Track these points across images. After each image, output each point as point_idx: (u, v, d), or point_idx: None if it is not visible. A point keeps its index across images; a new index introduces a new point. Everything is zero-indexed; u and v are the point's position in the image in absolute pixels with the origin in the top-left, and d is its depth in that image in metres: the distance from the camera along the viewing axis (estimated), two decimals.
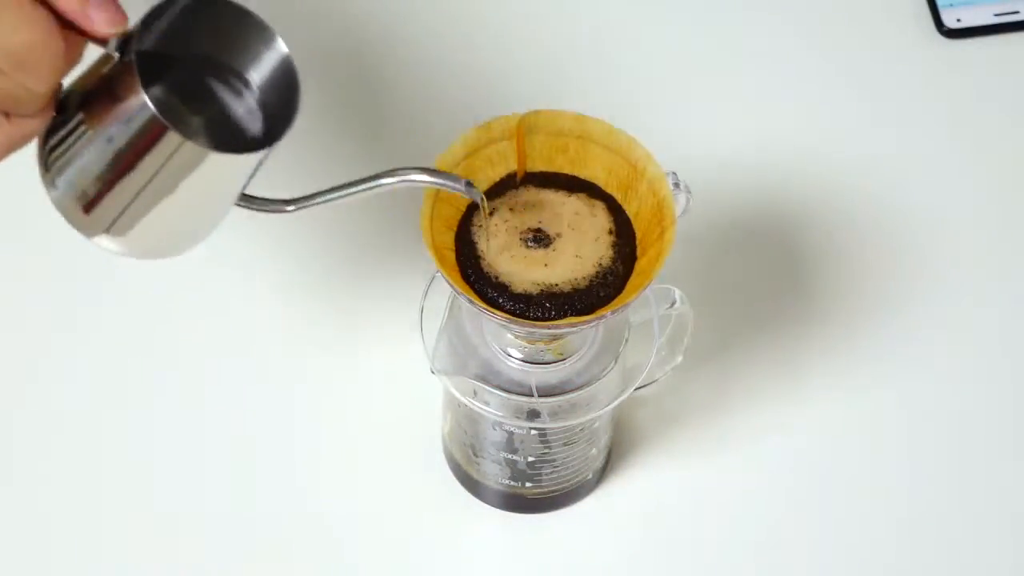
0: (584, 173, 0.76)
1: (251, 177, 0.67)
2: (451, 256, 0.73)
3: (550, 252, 0.73)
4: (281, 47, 0.67)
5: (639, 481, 0.88)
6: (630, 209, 0.75)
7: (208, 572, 0.85)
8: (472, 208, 0.75)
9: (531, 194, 0.75)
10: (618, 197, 0.75)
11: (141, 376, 0.90)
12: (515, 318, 0.71)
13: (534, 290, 0.72)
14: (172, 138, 0.63)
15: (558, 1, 1.05)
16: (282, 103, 0.67)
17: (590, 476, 0.86)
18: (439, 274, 0.72)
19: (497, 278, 0.73)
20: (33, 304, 0.92)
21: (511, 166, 0.75)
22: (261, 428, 0.89)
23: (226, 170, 0.65)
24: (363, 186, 0.70)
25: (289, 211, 0.70)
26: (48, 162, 0.66)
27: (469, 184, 0.71)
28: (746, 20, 1.05)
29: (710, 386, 0.90)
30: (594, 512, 0.87)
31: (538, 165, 0.76)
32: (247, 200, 0.69)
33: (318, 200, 0.70)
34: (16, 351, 0.91)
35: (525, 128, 0.75)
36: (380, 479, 0.87)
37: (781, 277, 0.94)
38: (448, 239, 0.74)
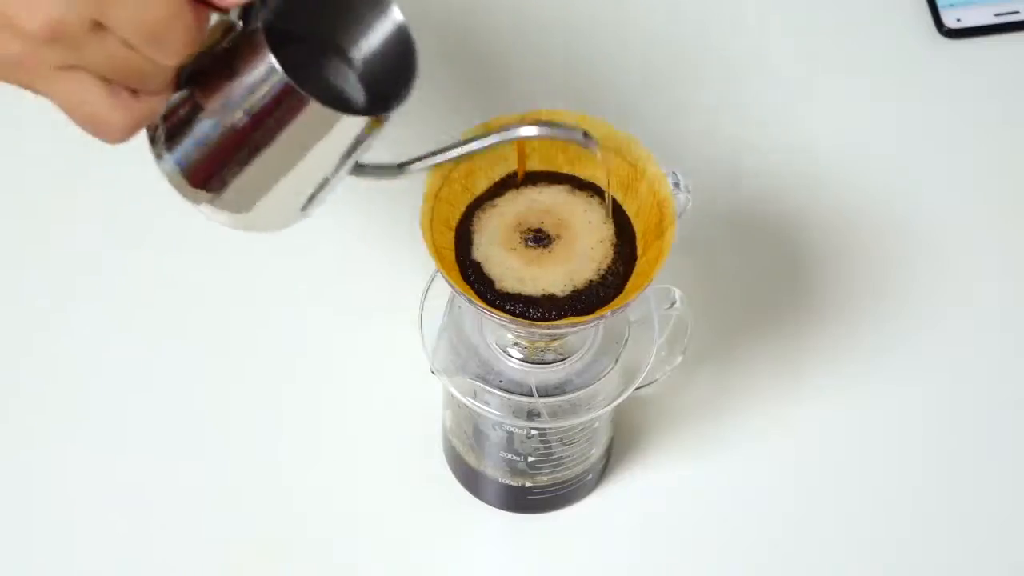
0: (584, 173, 0.76)
1: (369, 145, 0.66)
2: (451, 256, 0.73)
3: (550, 252, 0.73)
4: (396, 15, 0.66)
5: (639, 481, 0.88)
6: (630, 209, 0.75)
7: (207, 572, 0.85)
8: (472, 208, 0.75)
9: (531, 194, 0.75)
10: (618, 197, 0.75)
11: (139, 374, 0.90)
12: (515, 318, 0.71)
13: (534, 290, 0.72)
14: (304, 103, 0.62)
15: (558, 1, 1.05)
16: (397, 70, 0.66)
17: (590, 476, 0.86)
18: (439, 274, 0.72)
19: (497, 278, 0.73)
20: (23, 300, 0.92)
21: (511, 166, 0.75)
22: (260, 428, 0.89)
23: (350, 134, 0.64)
24: (475, 144, 0.69)
25: (403, 175, 0.69)
26: (162, 135, 0.65)
27: (586, 134, 0.70)
28: (746, 20, 1.05)
29: (710, 386, 0.90)
30: (594, 512, 0.87)
31: (538, 165, 0.76)
32: (359, 169, 0.68)
33: (429, 161, 0.69)
34: (4, 347, 0.91)
35: None
36: (380, 479, 0.87)
37: (781, 277, 0.94)
38: (448, 239, 0.74)
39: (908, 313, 0.93)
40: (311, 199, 0.68)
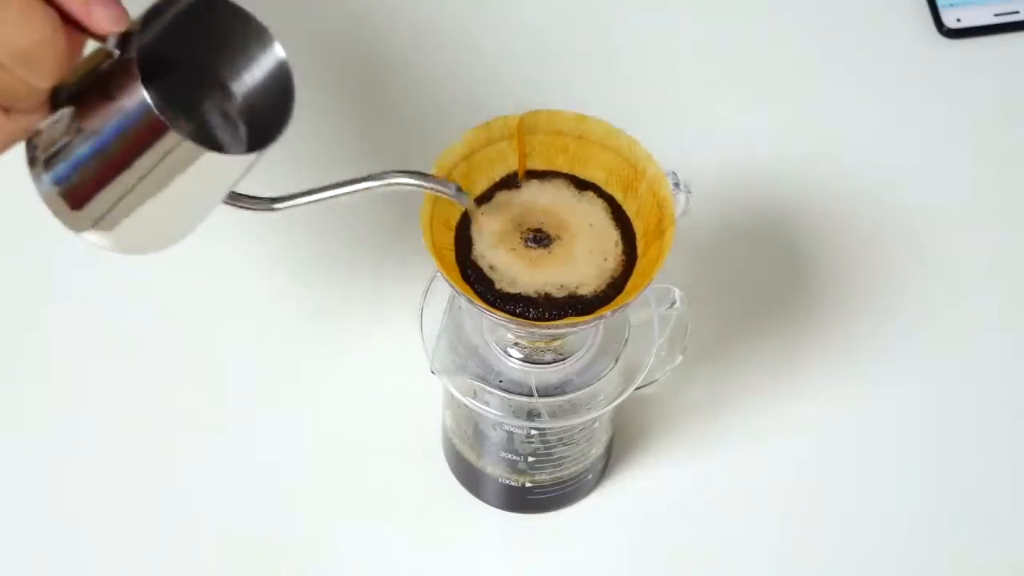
0: (584, 173, 0.76)
1: (241, 177, 0.67)
2: (451, 256, 0.73)
3: (550, 252, 0.73)
4: (278, 52, 0.67)
5: (639, 481, 0.88)
6: (630, 209, 0.75)
7: (207, 572, 0.85)
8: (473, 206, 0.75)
9: (532, 194, 0.75)
10: (618, 197, 0.75)
11: (138, 374, 0.90)
12: (515, 318, 0.71)
13: (534, 290, 0.72)
14: (170, 136, 0.63)
15: (558, 1, 1.05)
16: (276, 106, 0.67)
17: (590, 476, 0.86)
18: (439, 274, 0.72)
19: (497, 278, 0.73)
20: (20, 300, 0.92)
21: (511, 166, 0.75)
22: (260, 428, 0.89)
23: (219, 170, 0.66)
24: (350, 187, 0.70)
25: (275, 209, 0.70)
26: (38, 157, 0.66)
27: (459, 189, 0.71)
28: (746, 20, 1.05)
29: (710, 386, 0.90)
30: (594, 512, 0.87)
31: (538, 165, 0.76)
32: (234, 198, 0.69)
33: (304, 199, 0.70)
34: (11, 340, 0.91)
35: (525, 128, 0.75)
36: (380, 479, 0.87)
37: (781, 277, 0.94)
38: (448, 239, 0.74)
39: (908, 313, 0.93)
40: (182, 225, 0.69)
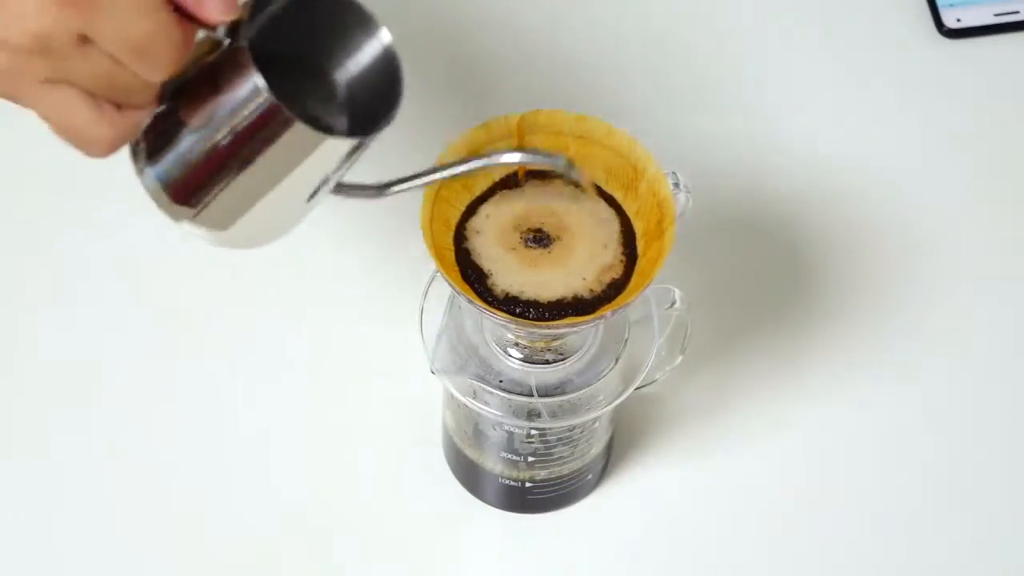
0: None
1: (351, 165, 0.66)
2: (451, 256, 0.73)
3: (550, 252, 0.73)
4: (384, 38, 0.66)
5: (639, 481, 0.88)
6: (630, 209, 0.75)
7: (205, 572, 0.85)
8: (472, 208, 0.75)
9: (532, 194, 0.75)
10: (618, 197, 0.75)
11: (137, 373, 0.90)
12: (515, 318, 0.71)
13: (534, 290, 0.72)
14: (289, 124, 0.61)
15: (558, 1, 1.05)
16: (381, 92, 0.66)
17: (590, 476, 0.86)
18: (439, 274, 0.72)
19: (497, 278, 0.73)
20: (20, 303, 0.92)
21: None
22: (259, 428, 0.89)
23: (334, 156, 0.64)
24: (459, 168, 0.69)
25: (385, 195, 0.69)
26: (140, 149, 0.65)
27: (569, 162, 0.70)
28: (746, 20, 1.05)
29: (710, 386, 0.90)
30: (594, 512, 0.87)
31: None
32: (341, 188, 0.68)
33: (411, 183, 0.69)
34: (11, 339, 0.91)
35: (525, 128, 0.75)
36: (380, 479, 0.87)
37: (781, 277, 0.94)
38: (448, 239, 0.74)
39: (908, 313, 0.93)
40: (292, 218, 0.68)
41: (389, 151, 0.96)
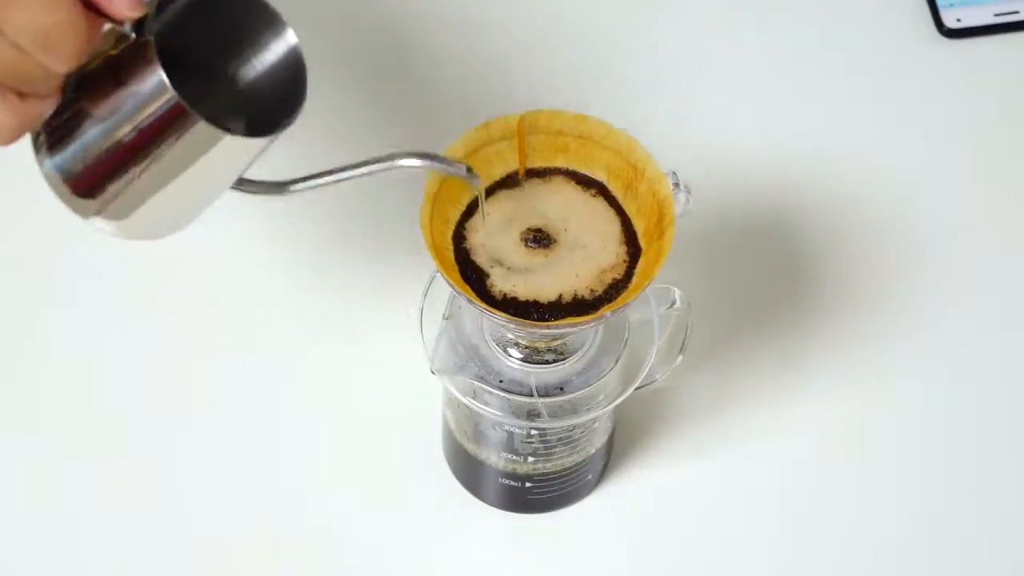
0: (585, 172, 0.76)
1: (252, 163, 0.66)
2: (451, 256, 0.73)
3: (550, 252, 0.73)
4: (290, 38, 0.66)
5: (639, 481, 0.88)
6: (630, 209, 0.75)
7: (206, 571, 0.85)
8: (472, 208, 0.75)
9: (532, 194, 0.75)
10: (618, 197, 0.75)
11: (137, 374, 0.90)
12: (515, 318, 0.71)
13: (534, 290, 0.72)
14: (189, 119, 0.62)
15: (558, 1, 1.05)
16: (286, 93, 0.66)
17: (590, 476, 0.86)
18: (439, 274, 0.72)
19: (497, 278, 0.73)
20: (21, 299, 0.92)
21: (511, 166, 0.75)
22: (259, 428, 0.89)
23: (234, 153, 0.65)
24: (359, 170, 0.69)
25: (285, 193, 0.69)
26: (45, 141, 0.66)
27: (469, 170, 0.70)
28: (746, 20, 1.05)
29: (710, 386, 0.90)
30: (594, 512, 0.87)
31: (538, 165, 0.76)
32: (242, 183, 0.68)
33: (313, 183, 0.69)
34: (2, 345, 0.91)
35: (525, 128, 0.75)
36: (380, 479, 0.87)
37: (781, 277, 0.94)
38: (448, 239, 0.74)
39: (908, 313, 0.93)
40: (191, 211, 0.68)
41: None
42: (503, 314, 0.71)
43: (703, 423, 0.89)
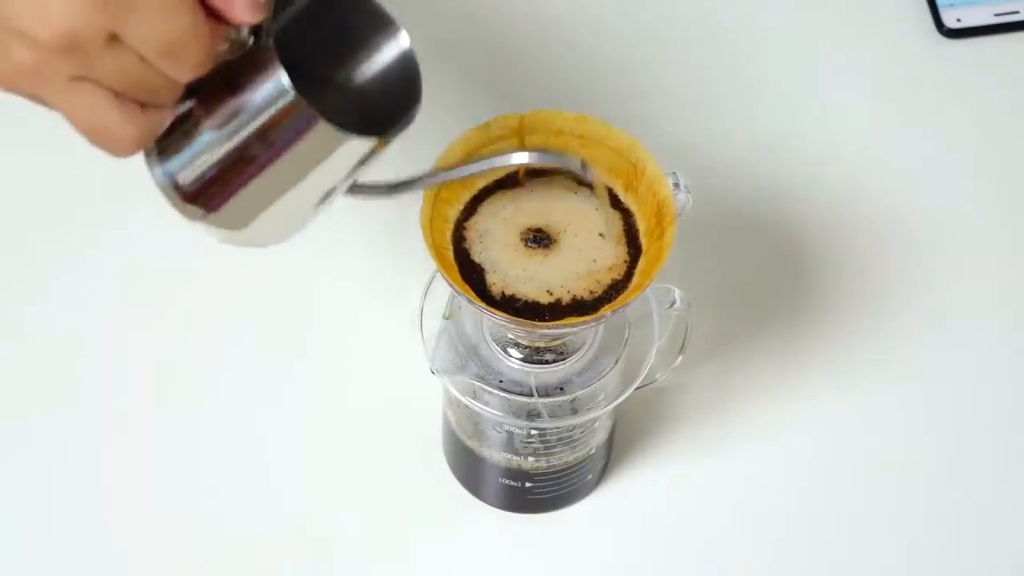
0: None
1: (368, 166, 0.66)
2: (451, 256, 0.73)
3: (551, 252, 0.73)
4: (403, 42, 0.66)
5: (639, 481, 0.88)
6: (630, 209, 0.75)
7: (205, 572, 0.85)
8: (472, 207, 0.75)
9: (532, 193, 0.75)
10: (619, 197, 0.75)
11: (137, 374, 0.90)
12: (515, 318, 0.71)
13: (534, 290, 0.72)
14: (314, 122, 0.61)
15: (558, 1, 1.05)
16: (399, 93, 0.66)
17: (590, 476, 0.86)
18: (439, 274, 0.72)
19: (497, 278, 0.73)
20: (19, 295, 0.92)
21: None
22: (260, 428, 0.89)
23: (355, 156, 0.64)
24: (467, 169, 0.69)
25: (394, 195, 0.69)
26: (155, 147, 0.64)
27: (584, 163, 0.69)
28: (746, 20, 1.05)
29: (710, 386, 0.90)
30: (594, 512, 0.87)
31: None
32: (354, 188, 0.67)
33: (419, 183, 0.69)
34: (12, 343, 0.91)
35: (525, 128, 0.75)
36: (380, 479, 0.87)
37: (781, 277, 0.94)
38: (448, 238, 0.74)
39: (908, 313, 0.93)
40: (307, 217, 0.67)
41: (389, 150, 0.96)
42: (503, 314, 0.71)
43: (703, 423, 0.89)
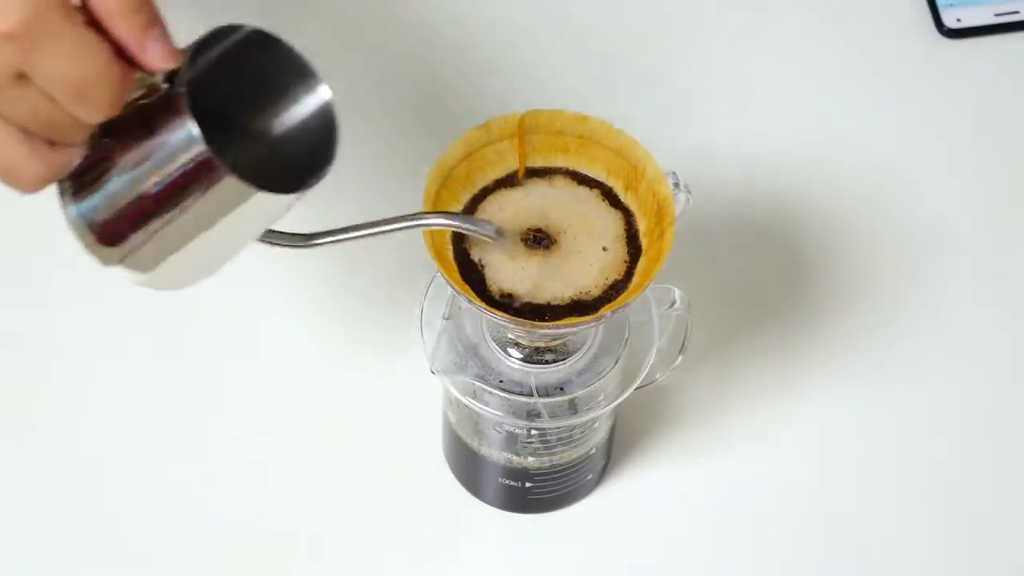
0: (585, 171, 0.76)
1: (280, 217, 0.66)
2: (451, 256, 0.73)
3: (551, 252, 0.73)
4: (324, 94, 0.65)
5: (639, 481, 0.88)
6: (630, 209, 0.75)
7: (204, 571, 0.85)
8: (471, 206, 0.75)
9: (532, 193, 0.75)
10: (619, 197, 0.75)
11: (137, 374, 0.90)
12: (515, 318, 0.71)
13: (534, 290, 0.72)
14: (219, 174, 0.61)
15: (559, 1, 1.05)
16: (317, 146, 0.65)
17: (590, 476, 0.86)
18: (439, 274, 0.72)
19: (497, 278, 0.73)
20: (19, 300, 0.92)
21: (511, 166, 0.75)
22: (259, 428, 0.89)
23: (264, 209, 0.64)
24: (384, 227, 0.70)
25: (310, 246, 0.69)
26: (70, 188, 0.64)
27: (498, 230, 0.71)
28: (745, 20, 1.05)
29: (710, 386, 0.90)
30: (594, 512, 0.87)
31: (539, 165, 0.76)
32: (268, 235, 0.68)
33: (337, 237, 0.69)
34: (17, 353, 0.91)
35: (525, 128, 0.75)
36: (380, 480, 0.87)
37: (781, 277, 0.94)
38: (448, 239, 0.74)
39: (908, 313, 0.93)
40: (217, 264, 0.67)
41: (389, 150, 0.96)
42: (503, 314, 0.71)
43: (703, 423, 0.89)
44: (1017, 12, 1.04)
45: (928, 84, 1.02)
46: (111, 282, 0.92)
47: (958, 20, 1.04)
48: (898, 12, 1.05)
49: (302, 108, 0.66)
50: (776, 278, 0.94)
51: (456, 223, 0.71)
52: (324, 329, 0.92)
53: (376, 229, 0.70)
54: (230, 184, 0.61)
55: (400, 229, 0.70)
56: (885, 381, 0.91)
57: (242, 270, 0.92)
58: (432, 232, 0.72)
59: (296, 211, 0.66)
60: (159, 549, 0.85)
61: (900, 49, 1.04)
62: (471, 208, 0.75)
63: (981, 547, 0.87)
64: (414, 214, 0.70)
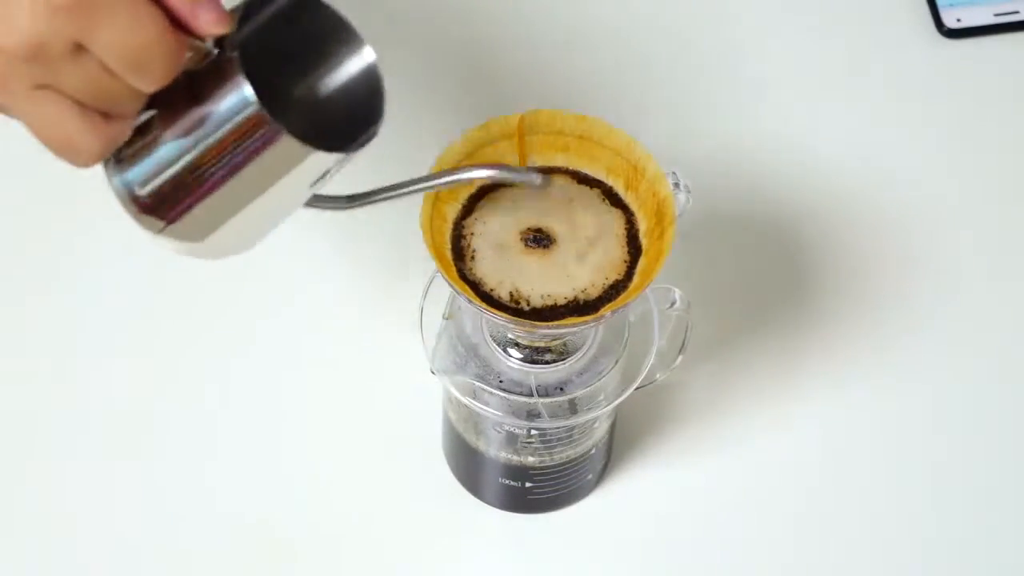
0: (585, 170, 0.76)
1: (331, 179, 0.65)
2: (451, 256, 0.73)
3: (550, 252, 0.73)
4: (367, 54, 0.65)
5: (639, 481, 0.88)
6: (630, 209, 0.75)
7: (206, 571, 0.85)
8: (471, 206, 0.75)
9: (532, 193, 0.75)
10: (619, 196, 0.75)
11: (137, 374, 0.90)
12: (515, 318, 0.71)
13: (534, 290, 0.72)
14: (277, 135, 0.61)
15: (559, 1, 1.05)
16: (363, 108, 0.65)
17: (590, 476, 0.86)
18: (439, 274, 0.72)
19: (497, 278, 0.73)
20: (25, 299, 0.92)
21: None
22: (259, 428, 0.89)
23: (316, 169, 0.63)
24: (427, 183, 0.69)
25: (351, 207, 0.69)
26: (114, 157, 0.64)
27: (543, 177, 0.70)
28: (745, 20, 1.05)
29: (710, 386, 0.90)
30: (594, 512, 0.87)
31: (539, 164, 0.76)
32: (314, 199, 0.67)
33: (376, 198, 0.69)
34: (17, 344, 0.91)
35: (525, 128, 0.75)
36: (380, 479, 0.87)
37: (781, 277, 0.94)
38: (448, 238, 0.74)
39: (908, 312, 0.93)
40: (265, 230, 0.67)
41: (389, 151, 0.96)
42: (503, 314, 0.71)
43: (703, 423, 0.89)
44: (1017, 12, 1.04)
45: (928, 84, 1.02)
46: (108, 277, 0.92)
47: (958, 20, 1.04)
48: (898, 12, 1.05)
49: (347, 70, 0.66)
50: (776, 278, 0.94)
51: (498, 172, 0.70)
52: (323, 329, 0.92)
53: (419, 185, 0.69)
54: (286, 145, 0.61)
55: (443, 184, 0.69)
56: (885, 380, 0.91)
57: (242, 269, 0.93)
58: (432, 232, 0.72)
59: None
60: (159, 549, 0.85)
61: (900, 49, 1.04)
62: (470, 208, 0.74)
63: (981, 547, 0.87)
64: (455, 168, 0.70)
